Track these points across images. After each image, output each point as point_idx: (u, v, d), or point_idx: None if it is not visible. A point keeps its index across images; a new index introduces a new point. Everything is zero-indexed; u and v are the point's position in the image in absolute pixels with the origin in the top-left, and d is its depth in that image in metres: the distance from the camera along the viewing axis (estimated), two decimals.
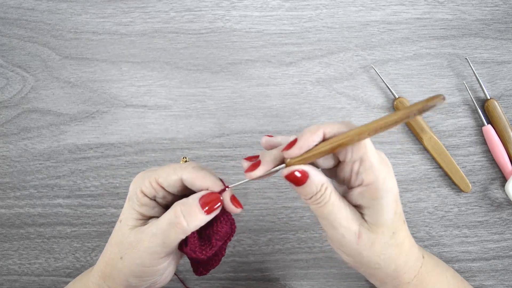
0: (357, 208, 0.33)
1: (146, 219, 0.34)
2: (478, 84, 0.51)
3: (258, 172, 0.31)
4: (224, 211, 0.33)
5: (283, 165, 0.31)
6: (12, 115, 0.53)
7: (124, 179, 0.52)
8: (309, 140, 0.30)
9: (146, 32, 0.54)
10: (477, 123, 0.52)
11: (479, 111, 0.51)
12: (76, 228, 0.51)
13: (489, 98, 0.51)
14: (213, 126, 0.52)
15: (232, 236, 0.35)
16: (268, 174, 0.32)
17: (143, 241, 0.32)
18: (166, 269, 0.35)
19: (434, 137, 0.50)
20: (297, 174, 0.30)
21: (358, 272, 0.36)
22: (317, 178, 0.31)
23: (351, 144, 0.29)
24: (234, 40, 0.54)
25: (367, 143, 0.30)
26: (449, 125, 0.52)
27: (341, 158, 0.32)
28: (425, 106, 0.26)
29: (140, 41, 0.54)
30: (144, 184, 0.33)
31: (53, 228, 0.51)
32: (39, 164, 0.52)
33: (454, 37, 0.53)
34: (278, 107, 0.52)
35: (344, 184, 0.34)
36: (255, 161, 0.32)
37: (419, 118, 0.50)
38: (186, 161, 0.36)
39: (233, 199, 0.33)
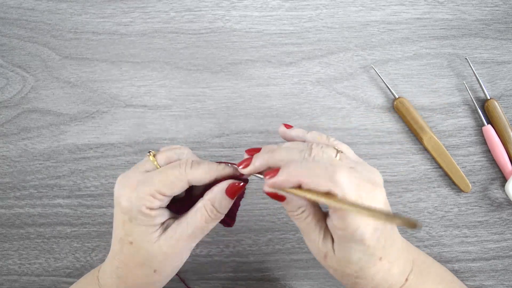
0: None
1: (161, 225, 0.34)
2: (478, 84, 0.51)
3: (244, 170, 0.34)
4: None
5: (262, 175, 0.33)
6: (12, 115, 0.53)
7: None
8: (285, 183, 0.31)
9: (146, 32, 0.54)
10: (477, 123, 0.52)
11: (479, 111, 0.51)
12: (76, 228, 0.51)
13: (489, 98, 0.51)
14: (213, 126, 0.52)
15: (244, 192, 0.38)
16: (256, 175, 0.34)
17: (180, 245, 0.34)
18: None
19: (434, 137, 0.50)
20: (277, 196, 0.32)
21: None
22: (295, 203, 0.32)
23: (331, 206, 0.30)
24: (234, 40, 0.54)
25: (344, 186, 0.29)
26: (449, 125, 0.52)
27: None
28: (404, 224, 0.23)
29: (140, 41, 0.54)
30: (146, 200, 0.32)
31: (53, 228, 0.51)
32: (39, 164, 0.52)
33: (454, 37, 0.53)
34: (278, 107, 0.52)
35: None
36: (248, 157, 0.34)
37: (419, 118, 0.50)
38: (154, 155, 0.35)
39: (240, 164, 0.35)
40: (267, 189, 0.32)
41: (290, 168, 0.31)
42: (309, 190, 0.29)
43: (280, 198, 0.32)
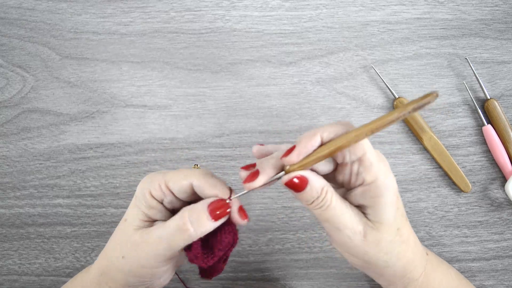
0: (359, 208, 0.33)
1: (152, 221, 0.34)
2: (478, 84, 0.51)
3: (258, 182, 0.31)
4: (228, 222, 0.33)
5: (283, 172, 0.31)
6: (12, 115, 0.53)
7: (124, 179, 0.52)
8: (307, 145, 0.30)
9: (146, 32, 0.54)
10: (477, 123, 0.52)
11: (479, 111, 0.51)
12: (76, 228, 0.51)
13: (489, 98, 0.51)
14: (213, 126, 0.52)
15: (234, 247, 0.35)
16: (268, 183, 0.31)
17: (148, 243, 0.32)
18: (166, 272, 0.35)
19: (434, 137, 0.50)
20: (296, 180, 0.30)
21: (366, 273, 0.36)
22: (317, 183, 0.31)
23: (349, 146, 0.29)
24: (234, 40, 0.54)
25: (365, 142, 0.30)
26: (449, 125, 0.52)
27: (339, 161, 0.31)
28: (420, 104, 0.26)
29: (140, 41, 0.54)
30: (153, 186, 0.33)
31: (53, 228, 0.51)
32: (39, 164, 0.52)
33: (454, 37, 0.53)
34: (278, 107, 0.52)
35: (342, 187, 0.34)
36: (253, 170, 0.31)
37: (419, 118, 0.51)
38: (198, 168, 0.36)
39: (241, 209, 0.33)
40: (287, 177, 0.30)
41: (306, 133, 0.30)
42: (333, 142, 0.29)
43: (301, 185, 0.30)
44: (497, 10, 0.54)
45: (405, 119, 0.51)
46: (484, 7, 0.54)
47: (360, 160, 0.30)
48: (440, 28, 0.53)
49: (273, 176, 0.31)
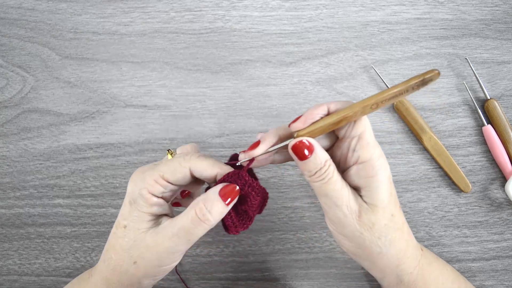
0: (354, 190, 0.33)
1: (156, 218, 0.34)
2: (478, 84, 0.51)
3: (259, 150, 0.32)
4: (252, 185, 0.34)
5: (289, 140, 0.32)
6: (12, 115, 0.53)
7: (124, 179, 0.52)
8: (314, 113, 0.31)
9: (146, 32, 0.54)
10: (477, 123, 0.52)
11: (479, 111, 0.51)
12: (76, 228, 0.51)
13: (489, 98, 0.51)
14: (213, 126, 0.52)
15: (267, 201, 0.37)
16: (271, 153, 0.33)
17: (163, 243, 0.33)
18: (180, 259, 0.36)
19: (434, 137, 0.50)
20: (303, 146, 0.31)
21: (360, 264, 0.36)
22: (322, 153, 0.32)
23: (354, 118, 0.31)
24: (234, 40, 0.54)
25: (366, 122, 0.32)
26: (449, 125, 0.52)
27: (340, 135, 0.33)
28: (424, 79, 0.28)
29: (140, 41, 0.54)
30: (148, 184, 0.33)
31: (53, 228, 0.51)
32: (39, 164, 0.52)
33: (454, 37, 0.53)
34: (278, 107, 0.52)
35: (338, 167, 0.34)
36: (254, 142, 0.33)
37: (419, 118, 0.50)
38: (172, 154, 0.36)
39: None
40: (294, 142, 0.32)
41: (312, 106, 0.32)
42: (340, 112, 0.31)
43: (309, 149, 0.31)
44: (497, 10, 0.54)
45: (405, 119, 0.51)
46: (484, 7, 0.54)
47: (358, 137, 0.32)
48: (440, 28, 0.53)
49: (276, 145, 0.33)
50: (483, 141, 0.51)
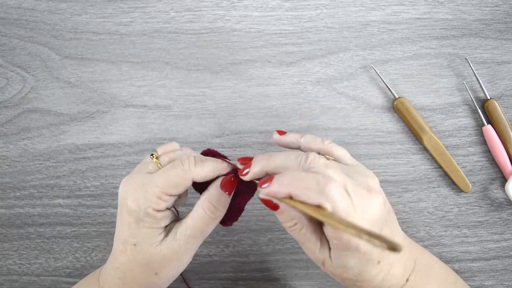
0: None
1: (165, 227, 0.34)
2: (478, 84, 0.51)
3: (246, 177, 0.34)
4: (241, 182, 0.36)
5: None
6: (12, 115, 0.53)
7: None
8: (277, 193, 0.30)
9: (146, 32, 0.54)
10: (477, 123, 0.52)
11: (479, 111, 0.51)
12: (76, 228, 0.51)
13: (489, 98, 0.51)
14: (213, 126, 0.52)
15: (253, 194, 0.38)
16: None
17: (180, 248, 0.34)
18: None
19: (434, 137, 0.50)
20: (272, 205, 0.32)
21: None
22: (288, 214, 0.32)
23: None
24: (234, 40, 0.54)
25: (335, 199, 0.29)
26: (449, 125, 0.52)
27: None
28: (383, 244, 0.22)
29: (140, 41, 0.54)
30: (153, 201, 0.32)
31: (53, 228, 0.51)
32: (39, 164, 0.52)
33: (454, 37, 0.53)
34: (278, 107, 0.52)
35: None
36: (246, 166, 0.34)
37: (419, 118, 0.50)
38: (157, 157, 0.36)
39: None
40: (262, 196, 0.32)
41: (283, 178, 0.31)
42: (300, 202, 0.29)
43: (274, 207, 0.32)
44: (497, 10, 0.54)
45: (405, 119, 0.51)
46: (484, 7, 0.54)
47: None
48: (440, 28, 0.53)
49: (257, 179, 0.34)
50: (483, 141, 0.51)
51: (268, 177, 0.32)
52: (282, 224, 0.33)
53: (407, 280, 0.35)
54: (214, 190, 0.34)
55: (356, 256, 0.30)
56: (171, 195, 0.33)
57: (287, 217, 0.32)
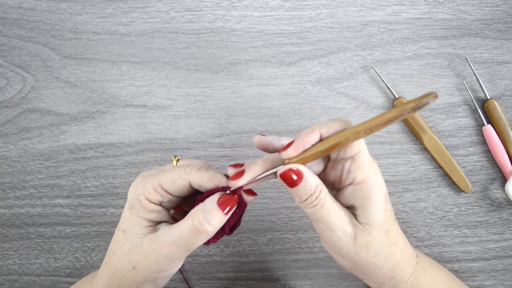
0: (349, 209, 0.33)
1: (155, 224, 0.34)
2: (478, 84, 0.51)
3: (241, 181, 0.32)
4: (241, 204, 0.34)
5: (274, 170, 0.32)
6: (12, 115, 0.53)
7: (124, 179, 0.52)
8: (305, 140, 0.30)
9: (146, 32, 0.54)
10: (477, 123, 0.52)
11: (479, 111, 0.51)
12: (76, 228, 0.51)
13: (489, 98, 0.51)
14: (213, 126, 0.52)
15: (239, 219, 0.36)
16: (257, 182, 0.33)
17: (161, 249, 0.33)
18: (179, 265, 0.36)
19: (434, 137, 0.50)
20: (292, 174, 0.30)
21: (355, 275, 0.36)
22: (312, 179, 0.31)
23: (347, 143, 0.30)
24: (234, 40, 0.54)
25: (361, 141, 0.30)
26: (449, 125, 0.52)
27: (333, 157, 0.32)
28: (419, 103, 0.26)
29: (140, 41, 0.54)
30: (147, 191, 0.33)
31: (53, 228, 0.51)
32: (39, 164, 0.52)
33: (454, 37, 0.53)
34: (278, 107, 0.52)
35: (332, 188, 0.34)
36: (239, 170, 0.32)
37: (419, 118, 0.51)
38: (178, 160, 0.36)
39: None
40: (283, 168, 0.30)
41: (305, 130, 0.31)
42: (332, 138, 0.29)
43: (296, 180, 0.30)
44: (497, 10, 0.54)
45: (404, 119, 0.51)
46: (484, 7, 0.54)
47: (353, 159, 0.31)
48: (440, 28, 0.53)
49: (264, 174, 0.32)
50: (483, 141, 0.51)
51: (288, 143, 0.31)
52: (305, 202, 0.31)
53: (413, 272, 0.36)
54: (209, 203, 0.32)
55: (380, 203, 0.31)
56: (166, 191, 0.33)
57: (310, 186, 0.30)
